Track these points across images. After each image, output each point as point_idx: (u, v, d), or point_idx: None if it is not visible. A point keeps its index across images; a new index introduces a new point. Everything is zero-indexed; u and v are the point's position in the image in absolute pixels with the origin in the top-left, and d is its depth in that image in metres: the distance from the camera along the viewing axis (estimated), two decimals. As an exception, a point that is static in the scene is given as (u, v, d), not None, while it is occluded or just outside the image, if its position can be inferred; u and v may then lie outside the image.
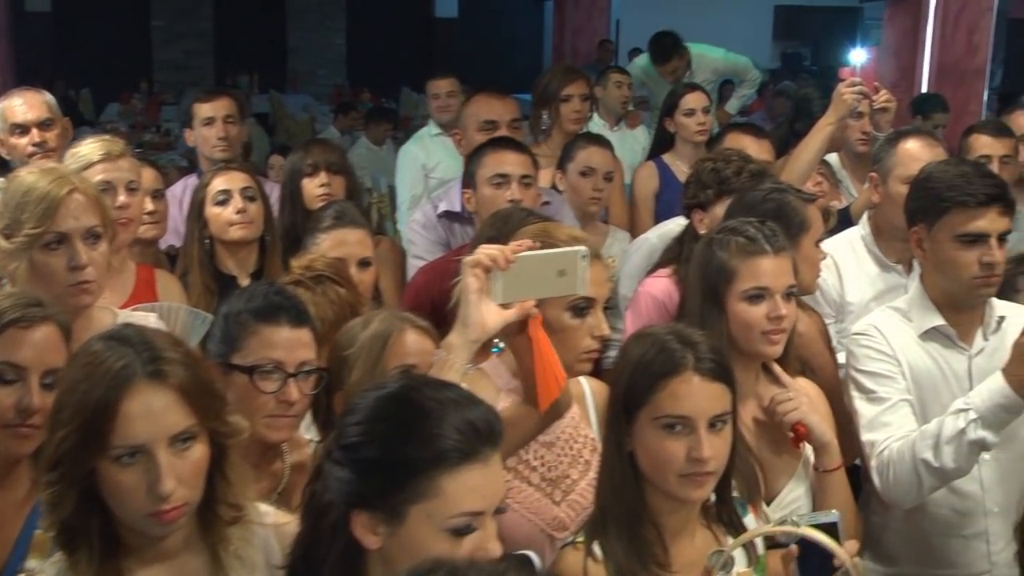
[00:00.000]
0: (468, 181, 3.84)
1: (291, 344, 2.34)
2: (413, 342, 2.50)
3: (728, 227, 2.70)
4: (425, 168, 5.50)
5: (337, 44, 18.83)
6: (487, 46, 17.60)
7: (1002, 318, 2.87)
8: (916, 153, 3.51)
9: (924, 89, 7.99)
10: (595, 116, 6.77)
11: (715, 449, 2.10)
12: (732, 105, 8.02)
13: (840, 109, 4.02)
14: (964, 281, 2.79)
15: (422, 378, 1.68)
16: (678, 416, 2.09)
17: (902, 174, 3.39)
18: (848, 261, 3.57)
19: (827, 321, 3.46)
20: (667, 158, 5.29)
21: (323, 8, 18.53)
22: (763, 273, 2.59)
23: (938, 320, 2.86)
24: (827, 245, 3.59)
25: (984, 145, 4.40)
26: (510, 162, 3.77)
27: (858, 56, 4.10)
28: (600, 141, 4.64)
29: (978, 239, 2.76)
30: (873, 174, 3.63)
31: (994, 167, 4.32)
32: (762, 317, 2.58)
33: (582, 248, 2.23)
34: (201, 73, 17.14)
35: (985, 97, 8.32)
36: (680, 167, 5.12)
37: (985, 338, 2.87)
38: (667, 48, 7.60)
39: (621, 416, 2.16)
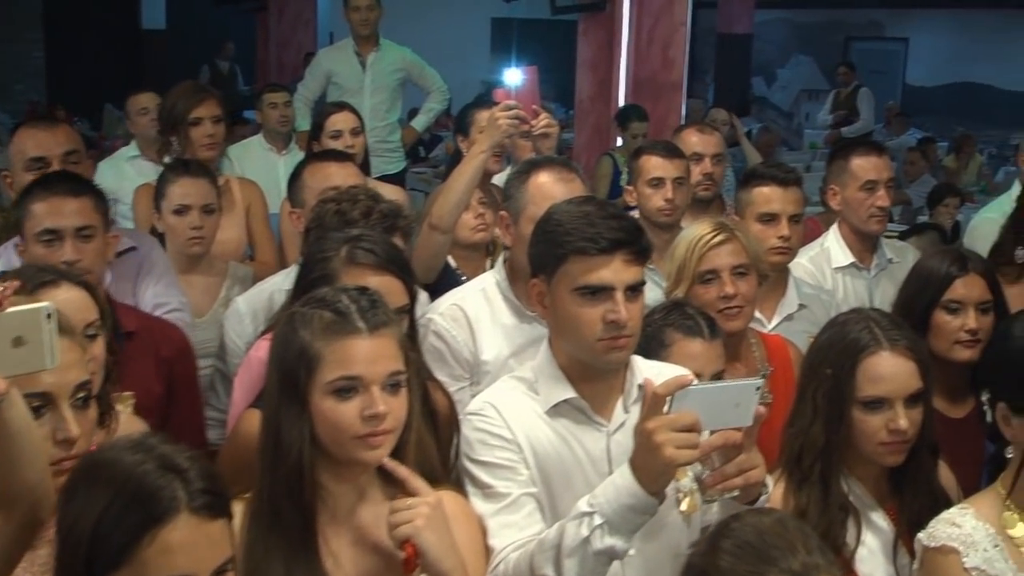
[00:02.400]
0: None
1: None
2: None
3: (315, 297, 2.15)
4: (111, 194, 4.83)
5: (35, 57, 17.52)
6: (198, 59, 16.75)
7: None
8: (549, 189, 3.07)
9: (621, 103, 7.80)
10: (261, 139, 6.38)
11: None
12: (419, 122, 7.58)
13: (494, 135, 3.60)
14: (588, 343, 2.34)
15: None
16: None
17: (534, 213, 2.90)
18: (481, 312, 3.12)
19: (459, 385, 3.02)
20: (320, 187, 4.79)
21: (18, 18, 17.17)
22: (355, 359, 2.04)
23: (568, 392, 2.41)
24: (456, 295, 3.18)
25: (655, 167, 4.10)
26: (58, 213, 3.09)
27: (513, 76, 3.67)
28: (195, 170, 4.01)
29: (600, 292, 2.32)
30: (503, 212, 3.19)
31: (667, 191, 4.02)
32: (354, 417, 2.03)
33: (46, 305, 1.72)
34: None
35: (684, 111, 8.20)
36: (332, 196, 4.66)
37: (626, 410, 2.43)
38: None
39: None
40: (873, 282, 4.12)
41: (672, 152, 4.15)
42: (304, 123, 6.90)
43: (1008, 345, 2.47)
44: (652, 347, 2.76)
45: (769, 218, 3.66)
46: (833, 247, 4.13)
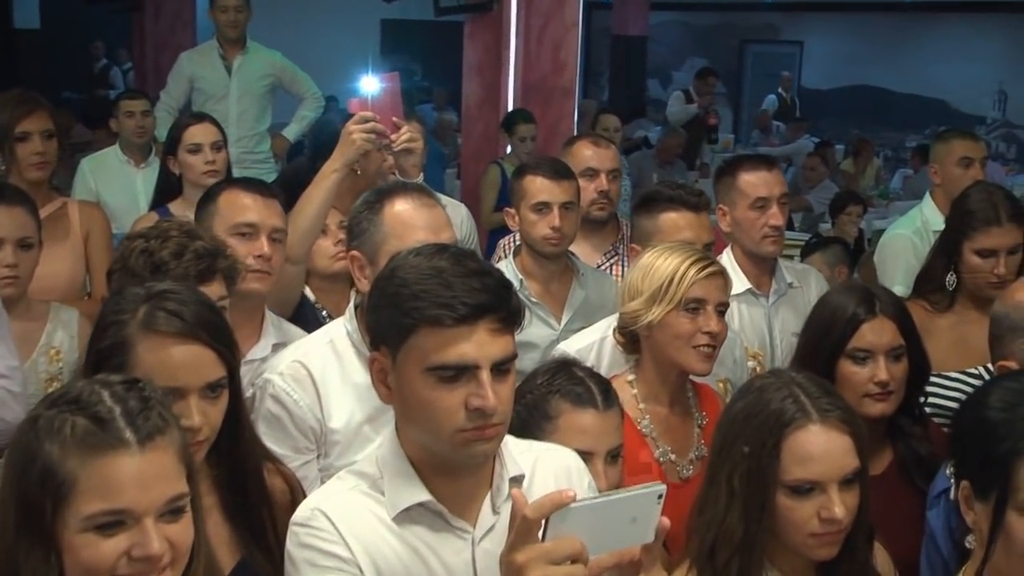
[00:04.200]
0: None
1: None
2: None
3: (67, 396, 1.62)
4: None
5: (-97, 58, 16.57)
6: (74, 59, 15.99)
7: (519, 477, 1.96)
8: (410, 217, 2.60)
9: (510, 109, 7.37)
10: (117, 151, 5.87)
11: None
12: (291, 131, 7.05)
13: (348, 152, 3.13)
14: (447, 434, 1.82)
15: None
16: None
17: (397, 248, 2.48)
18: (329, 369, 2.60)
19: (303, 459, 2.52)
20: (175, 208, 4.29)
21: None
22: (122, 485, 1.55)
23: (420, 493, 1.88)
24: (299, 348, 2.68)
25: (540, 190, 3.61)
26: None
27: (369, 84, 3.18)
28: (10, 198, 3.37)
29: (461, 372, 1.81)
30: (355, 253, 2.69)
31: (554, 217, 3.56)
32: (119, 559, 1.54)
33: None
34: None
35: (576, 116, 7.78)
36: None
37: (495, 511, 1.92)
38: None
39: None
40: (772, 310, 3.70)
41: (560, 173, 3.67)
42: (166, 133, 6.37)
43: (982, 415, 2.02)
44: (535, 419, 2.29)
45: None
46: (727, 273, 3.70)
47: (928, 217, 4.59)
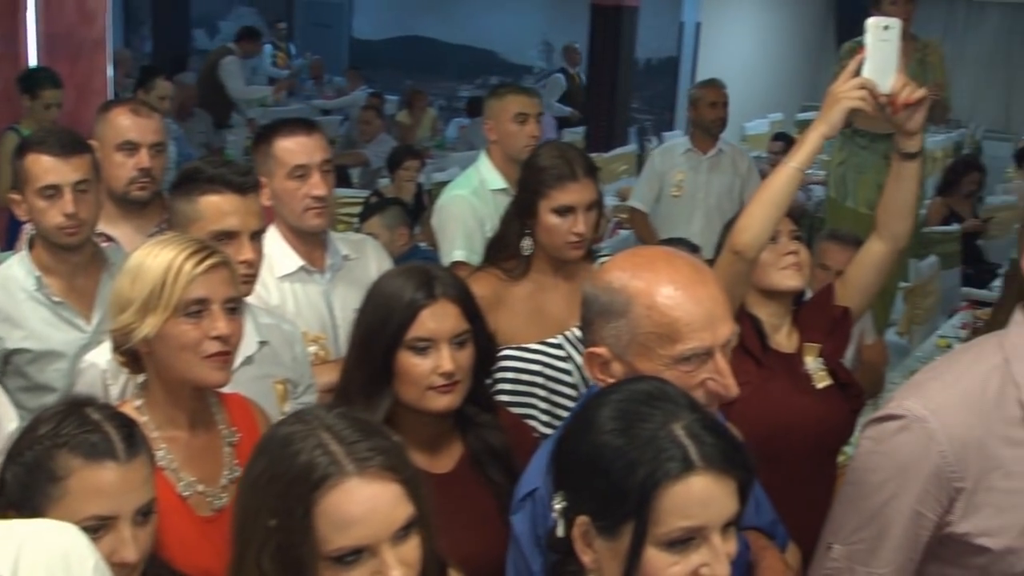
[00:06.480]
0: None
1: None
2: None
3: None
4: None
5: None
6: None
7: None
8: None
9: (33, 63, 6.58)
10: None
11: None
12: None
13: None
14: None
15: None
16: None
17: None
18: None
19: None
20: None
21: None
22: None
23: None
24: None
25: (47, 171, 3.09)
26: None
27: None
28: None
29: None
30: None
31: (66, 203, 3.07)
32: None
33: None
34: None
35: (111, 72, 7.10)
36: None
37: None
38: None
39: None
40: (330, 287, 3.37)
41: (69, 148, 3.10)
42: None
43: (597, 440, 1.72)
44: (38, 483, 1.79)
45: (225, 236, 2.75)
46: (275, 252, 3.29)
47: (485, 176, 4.45)
